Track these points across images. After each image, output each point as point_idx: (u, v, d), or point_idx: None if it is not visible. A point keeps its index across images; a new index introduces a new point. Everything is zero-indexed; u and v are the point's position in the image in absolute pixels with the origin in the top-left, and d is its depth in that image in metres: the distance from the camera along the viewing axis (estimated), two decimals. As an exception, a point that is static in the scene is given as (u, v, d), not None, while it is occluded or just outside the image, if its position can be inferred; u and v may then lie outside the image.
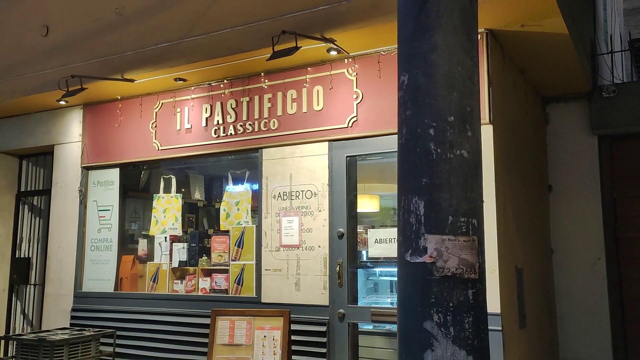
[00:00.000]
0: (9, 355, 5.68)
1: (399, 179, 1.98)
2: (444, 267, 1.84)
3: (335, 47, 4.45)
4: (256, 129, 5.07)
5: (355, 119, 4.63)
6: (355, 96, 4.65)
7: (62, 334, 5.24)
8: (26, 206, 7.07)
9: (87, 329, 5.48)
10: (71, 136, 6.27)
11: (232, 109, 5.21)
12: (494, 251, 3.96)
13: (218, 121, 5.28)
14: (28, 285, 6.83)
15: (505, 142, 4.49)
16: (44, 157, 6.87)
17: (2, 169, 6.93)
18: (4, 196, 6.92)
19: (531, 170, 5.43)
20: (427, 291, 1.85)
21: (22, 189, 7.08)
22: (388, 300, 5.16)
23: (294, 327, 4.51)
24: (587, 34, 5.86)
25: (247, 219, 5.22)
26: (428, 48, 1.94)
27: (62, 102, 5.98)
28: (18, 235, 7.00)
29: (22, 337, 5.16)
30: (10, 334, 6.59)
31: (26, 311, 6.83)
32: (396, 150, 2.04)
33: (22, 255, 6.95)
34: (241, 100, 5.18)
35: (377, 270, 5.22)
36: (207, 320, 4.83)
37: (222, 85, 5.29)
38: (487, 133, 4.06)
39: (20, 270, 6.84)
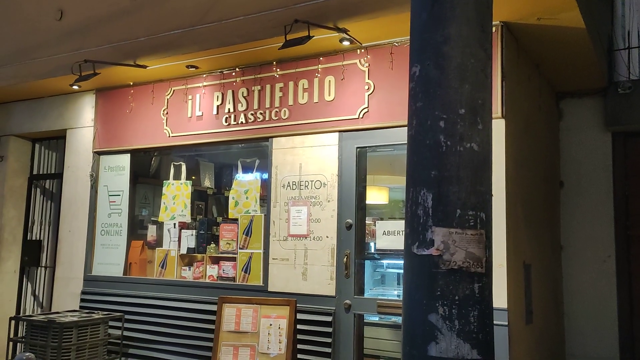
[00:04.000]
0: (19, 335, 5.76)
1: (408, 171, 1.97)
2: (451, 260, 1.83)
3: (348, 37, 4.42)
4: (267, 118, 5.06)
5: (366, 110, 4.61)
6: (366, 87, 4.62)
7: (71, 316, 5.30)
8: (38, 189, 7.14)
9: (96, 312, 5.55)
10: (83, 121, 6.31)
11: (244, 97, 5.21)
12: (502, 246, 3.94)
13: (229, 109, 5.28)
14: (39, 268, 6.91)
15: (517, 136, 4.46)
16: (57, 141, 6.92)
17: (15, 152, 6.99)
18: (16, 179, 6.99)
19: (543, 166, 5.39)
20: (433, 284, 1.84)
21: (35, 172, 7.14)
22: (394, 292, 5.17)
23: (300, 316, 4.53)
24: (604, 28, 5.78)
25: (256, 207, 5.23)
26: (441, 39, 1.92)
27: (75, 87, 6.01)
28: (30, 218, 7.07)
29: (32, 318, 5.23)
30: (21, 314, 6.68)
31: (36, 293, 6.92)
32: (406, 142, 2.02)
33: (33, 238, 7.02)
34: (252, 88, 5.17)
35: (385, 262, 5.22)
36: (213, 307, 4.87)
37: (233, 74, 5.28)
38: (498, 127, 4.03)
39: (31, 252, 6.92)
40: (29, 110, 6.80)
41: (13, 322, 5.38)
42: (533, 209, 4.88)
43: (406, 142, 2.02)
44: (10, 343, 5.59)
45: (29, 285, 6.97)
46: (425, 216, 1.86)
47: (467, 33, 1.94)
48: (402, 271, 1.96)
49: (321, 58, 4.84)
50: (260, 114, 5.10)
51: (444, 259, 1.83)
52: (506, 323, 3.87)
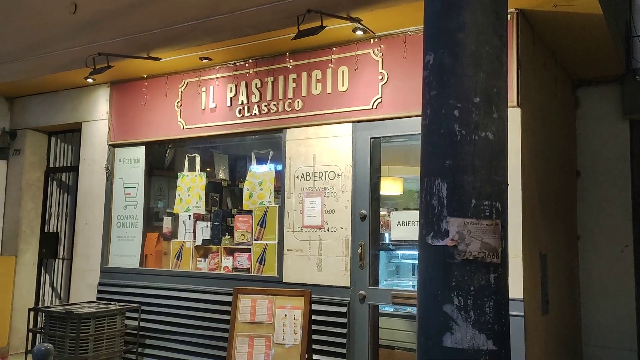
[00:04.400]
0: (38, 326, 5.85)
1: (422, 161, 1.95)
2: (466, 250, 1.81)
3: (361, 26, 4.39)
4: (280, 109, 5.06)
5: (380, 100, 4.58)
6: (380, 77, 4.59)
7: (89, 307, 5.37)
8: (55, 182, 7.22)
9: (113, 303, 5.61)
10: (98, 114, 6.35)
11: (257, 88, 5.21)
12: (518, 236, 3.90)
13: (242, 101, 5.28)
14: (56, 260, 7.00)
15: (533, 125, 4.40)
16: (72, 134, 6.98)
17: (31, 146, 7.06)
18: (33, 172, 7.07)
19: (559, 155, 5.32)
20: (448, 274, 1.83)
21: (51, 166, 7.22)
22: (409, 283, 5.16)
23: (314, 307, 4.54)
24: (622, 15, 5.67)
25: (270, 199, 5.23)
26: (455, 27, 1.90)
27: (90, 80, 6.05)
28: (47, 211, 7.16)
29: (50, 309, 5.31)
30: (40, 306, 6.79)
31: (55, 284, 7.02)
32: (420, 132, 2.00)
33: (51, 230, 7.12)
34: (266, 80, 5.16)
35: (399, 252, 5.20)
36: (229, 298, 4.90)
37: (247, 65, 5.28)
38: (514, 115, 3.98)
39: (49, 245, 7.01)
40: (45, 103, 6.87)
41: (32, 313, 5.47)
42: (549, 198, 4.83)
43: (420, 132, 2.00)
44: (30, 333, 5.69)
45: (47, 277, 7.07)
46: (440, 206, 1.85)
47: (481, 20, 1.91)
48: (417, 262, 1.95)
49: (334, 48, 4.81)
50: (274, 105, 5.09)
51: (459, 250, 1.82)
52: (522, 313, 3.85)
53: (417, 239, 1.95)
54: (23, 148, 7.01)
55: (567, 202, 5.57)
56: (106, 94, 6.28)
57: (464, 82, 1.86)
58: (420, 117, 2.01)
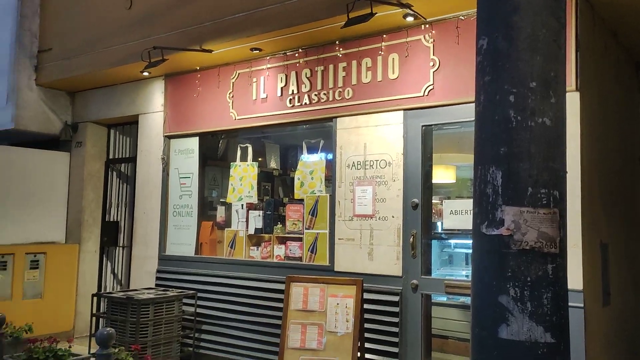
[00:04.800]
0: (100, 311, 6.13)
1: (476, 148, 1.90)
2: (522, 240, 1.76)
3: (412, 12, 4.32)
4: (330, 98, 5.05)
5: (431, 87, 4.50)
6: (431, 64, 4.51)
7: (148, 293, 5.57)
8: (114, 173, 7.50)
9: (170, 289, 5.80)
10: (154, 106, 6.54)
11: (307, 78, 5.22)
12: (577, 225, 3.77)
13: (293, 90, 5.31)
14: (117, 248, 7.29)
15: (593, 110, 4.22)
16: (130, 126, 7.22)
17: (92, 138, 7.35)
18: (94, 163, 7.37)
19: (620, 141, 5.08)
20: (504, 265, 1.79)
21: (111, 157, 7.50)
22: (463, 273, 5.08)
23: (366, 296, 4.55)
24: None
25: (321, 188, 5.26)
26: (509, 9, 1.83)
27: (145, 74, 6.22)
28: (107, 200, 7.45)
29: (112, 295, 5.55)
30: (102, 292, 7.10)
31: (115, 271, 7.31)
32: (474, 119, 1.96)
33: (111, 219, 7.41)
34: (316, 69, 5.17)
35: (452, 242, 5.13)
36: (281, 286, 4.97)
37: (297, 55, 5.29)
38: (573, 100, 3.82)
39: (109, 233, 7.31)
40: (104, 97, 7.12)
41: (95, 298, 5.72)
42: (610, 185, 4.63)
43: (473, 118, 1.95)
44: (93, 318, 5.96)
45: (109, 264, 7.38)
46: (495, 195, 1.80)
47: (537, 1, 1.83)
48: (470, 251, 1.91)
49: (384, 35, 4.75)
50: (324, 94, 5.09)
51: (514, 239, 1.77)
52: (582, 305, 3.72)
53: (470, 227, 1.91)
54: (84, 140, 7.31)
55: (629, 189, 5.33)
56: (161, 86, 6.46)
57: (520, 67, 1.80)
58: (473, 104, 1.96)
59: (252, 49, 5.38)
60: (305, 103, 5.21)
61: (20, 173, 6.91)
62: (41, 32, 7.15)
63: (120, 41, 6.17)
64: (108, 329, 3.10)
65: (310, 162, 5.42)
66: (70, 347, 4.09)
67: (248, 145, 5.94)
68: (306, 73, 5.23)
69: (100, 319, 6.24)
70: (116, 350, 3.77)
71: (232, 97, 5.77)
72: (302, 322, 4.56)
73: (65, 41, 6.85)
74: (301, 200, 5.36)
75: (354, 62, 4.92)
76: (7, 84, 6.98)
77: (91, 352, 5.32)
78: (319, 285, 4.60)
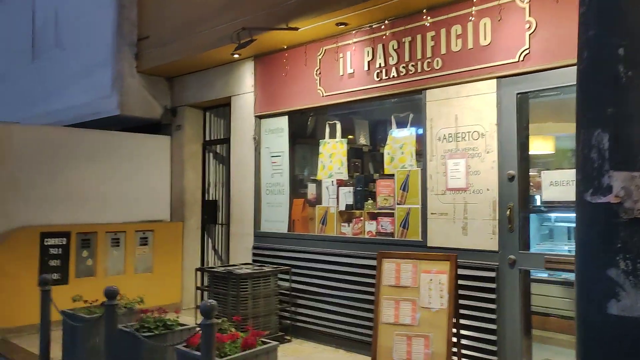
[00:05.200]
0: (203, 285, 6.46)
1: (578, 110, 1.76)
2: (634, 208, 1.61)
3: (505, -28, 4.07)
4: (419, 70, 4.91)
5: (527, 51, 4.24)
6: (527, 26, 4.24)
7: (245, 268, 5.80)
8: (210, 154, 7.82)
9: (266, 265, 5.99)
10: (245, 87, 6.71)
11: (394, 50, 5.10)
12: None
13: (380, 64, 5.22)
14: (216, 225, 7.63)
15: None
16: (223, 108, 7.47)
17: (190, 121, 7.70)
18: (193, 145, 7.72)
19: None
20: (612, 235, 1.65)
21: (207, 139, 7.81)
22: (565, 248, 4.81)
23: (460, 272, 4.43)
24: None
25: (412, 162, 5.16)
26: (617, -48, 1.65)
27: (236, 56, 6.38)
28: (206, 180, 7.80)
29: (213, 270, 5.83)
30: (204, 266, 7.47)
31: (216, 247, 7.67)
32: (575, 82, 1.80)
33: (210, 198, 7.75)
34: (403, 40, 5.04)
35: (552, 215, 4.86)
36: (372, 262, 4.96)
37: (382, 27, 5.18)
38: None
39: (209, 211, 7.66)
40: (199, 81, 7.41)
41: (198, 273, 6.04)
42: None
43: (574, 83, 1.80)
44: (198, 291, 6.30)
45: (209, 240, 7.75)
46: (601, 160, 1.65)
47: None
48: (572, 225, 1.78)
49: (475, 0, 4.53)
50: (412, 66, 4.96)
51: (625, 207, 1.62)
52: None
53: (572, 199, 1.78)
54: (183, 123, 7.66)
55: None
56: (251, 67, 6.60)
57: (630, 17, 1.62)
58: (573, 67, 1.80)
59: (337, 24, 5.33)
60: (393, 76, 5.10)
61: (127, 156, 7.39)
62: (139, 21, 7.52)
63: (211, 25, 6.36)
64: (211, 301, 3.25)
65: (400, 136, 5.32)
66: (177, 317, 4.35)
67: (336, 121, 5.94)
68: (393, 45, 5.11)
69: (204, 292, 6.58)
70: (219, 321, 3.95)
71: (319, 74, 5.78)
72: (395, 298, 4.54)
73: (161, 28, 7.17)
74: (392, 176, 5.30)
75: (443, 31, 4.74)
76: (111, 72, 7.44)
77: (197, 322, 5.64)
78: (411, 261, 4.54)
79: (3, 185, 6.36)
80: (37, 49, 9.36)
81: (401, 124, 5.43)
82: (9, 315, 5.96)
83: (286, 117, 6.26)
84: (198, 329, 3.34)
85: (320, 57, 5.77)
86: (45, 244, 6.37)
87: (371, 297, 4.93)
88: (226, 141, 7.34)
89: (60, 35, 8.72)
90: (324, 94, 5.73)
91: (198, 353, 3.35)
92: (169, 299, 7.03)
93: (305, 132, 6.60)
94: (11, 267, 6.08)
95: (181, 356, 3.60)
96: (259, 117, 6.52)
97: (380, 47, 5.22)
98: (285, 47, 6.07)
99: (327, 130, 5.97)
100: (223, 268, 5.89)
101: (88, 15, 8.06)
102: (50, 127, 7.34)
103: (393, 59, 5.11)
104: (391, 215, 5.28)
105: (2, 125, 6.57)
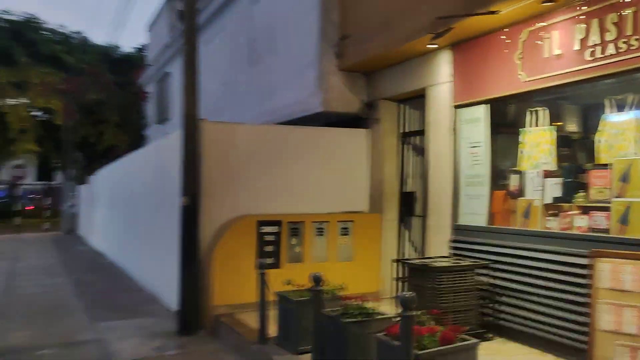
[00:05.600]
0: (400, 275, 6.54)
1: None
2: None
3: None
4: (643, 44, 4.30)
5: None
6: None
7: (441, 261, 5.72)
8: (406, 146, 7.86)
9: (464, 259, 5.84)
10: (440, 77, 6.59)
11: (613, 24, 4.54)
12: None
13: (594, 41, 4.69)
14: (413, 217, 7.66)
15: None
16: (417, 100, 7.44)
17: (385, 114, 7.84)
18: (389, 138, 7.86)
19: None
20: None
21: (402, 131, 7.87)
22: None
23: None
24: None
25: (635, 150, 4.55)
26: None
27: (433, 46, 6.28)
28: (403, 172, 7.87)
29: (410, 261, 5.87)
30: (401, 258, 7.57)
31: (412, 239, 7.71)
32: None
33: (407, 190, 7.81)
34: (624, 12, 4.45)
35: None
36: (582, 261, 4.52)
37: None
38: None
39: (406, 203, 7.73)
40: (393, 74, 7.49)
41: (395, 264, 6.13)
42: None
43: None
44: (394, 281, 6.41)
45: (406, 232, 7.82)
46: None
47: None
48: None
49: None
50: (635, 40, 4.36)
51: None
52: None
53: None
54: (380, 117, 7.84)
55: None
56: (448, 56, 6.45)
57: None
58: None
59: (543, 2, 4.92)
60: (611, 54, 4.55)
61: (328, 150, 7.83)
62: (341, 21, 7.88)
63: (408, 17, 6.37)
64: (410, 292, 3.28)
65: (618, 121, 4.73)
66: (376, 306, 4.49)
67: (540, 108, 5.50)
68: (612, 18, 4.54)
69: (402, 282, 6.67)
70: (418, 312, 3.97)
71: (521, 58, 5.41)
72: (614, 303, 4.07)
73: (360, 26, 7.41)
74: (607, 165, 4.74)
75: (675, -3, 4.08)
76: (316, 72, 7.94)
77: (395, 312, 5.75)
78: (634, 262, 4.01)
79: (229, 178, 7.22)
80: (254, 57, 10.41)
81: (618, 107, 4.82)
82: (238, 293, 6.73)
83: (484, 105, 5.99)
84: (397, 319, 3.40)
85: (522, 40, 5.40)
86: (261, 231, 7.05)
87: (581, 299, 4.50)
88: (421, 133, 7.31)
89: (273, 42, 9.58)
90: (526, 79, 5.35)
91: (397, 343, 3.41)
92: (367, 287, 7.25)
93: (504, 120, 6.24)
94: (238, 250, 6.87)
95: (381, 344, 3.70)
96: (456, 107, 6.35)
97: (595, 22, 4.68)
98: (484, 33, 5.79)
99: (529, 117, 5.57)
100: (419, 260, 5.90)
101: (296, 21, 8.71)
102: (262, 126, 8.11)
103: (611, 34, 4.55)
104: (606, 209, 4.73)
105: (228, 126, 7.47)
